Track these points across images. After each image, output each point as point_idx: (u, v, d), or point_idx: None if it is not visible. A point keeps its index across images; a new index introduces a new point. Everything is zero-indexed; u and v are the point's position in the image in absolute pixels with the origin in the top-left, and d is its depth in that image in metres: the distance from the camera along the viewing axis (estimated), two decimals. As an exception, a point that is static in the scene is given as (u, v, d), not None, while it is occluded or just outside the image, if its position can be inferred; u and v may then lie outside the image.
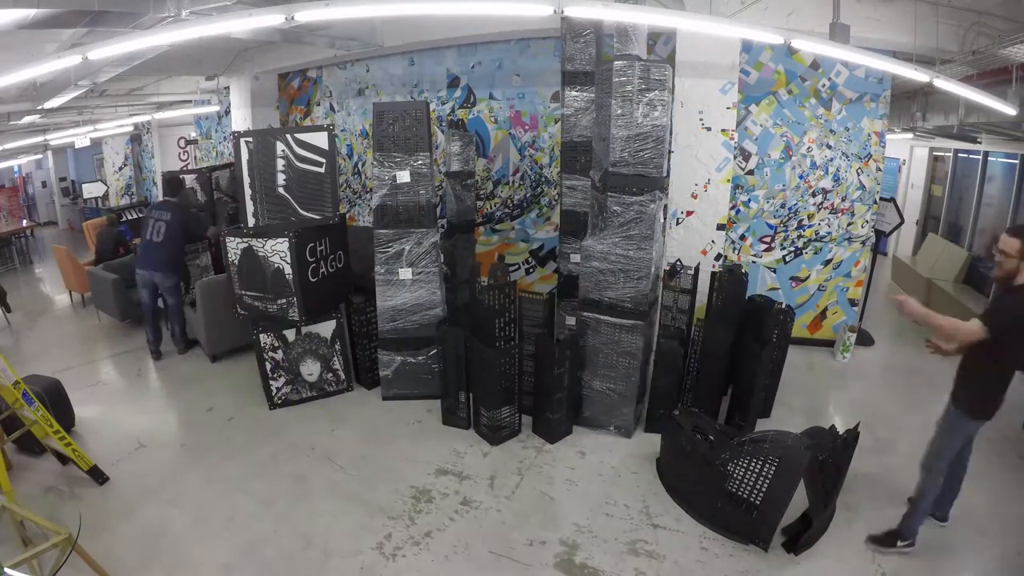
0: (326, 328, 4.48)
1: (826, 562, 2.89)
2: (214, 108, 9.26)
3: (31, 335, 6.36)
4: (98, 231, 7.73)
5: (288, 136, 4.16)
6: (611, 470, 3.63)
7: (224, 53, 7.26)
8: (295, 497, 3.43)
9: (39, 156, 13.04)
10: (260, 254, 4.18)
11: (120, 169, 12.66)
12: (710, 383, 3.96)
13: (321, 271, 4.41)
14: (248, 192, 4.14)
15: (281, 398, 4.46)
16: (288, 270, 4.18)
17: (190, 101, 9.77)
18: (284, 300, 4.26)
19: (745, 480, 2.95)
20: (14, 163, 12.78)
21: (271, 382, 4.40)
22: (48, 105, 6.61)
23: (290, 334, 4.37)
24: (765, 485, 2.89)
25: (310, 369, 4.50)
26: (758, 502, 2.91)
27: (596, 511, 3.27)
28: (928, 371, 4.96)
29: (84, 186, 12.58)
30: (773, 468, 2.85)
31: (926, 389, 4.62)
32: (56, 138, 10.02)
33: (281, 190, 4.20)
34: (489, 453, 3.83)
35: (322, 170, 4.28)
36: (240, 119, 7.99)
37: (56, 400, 4.06)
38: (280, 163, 4.16)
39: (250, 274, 4.23)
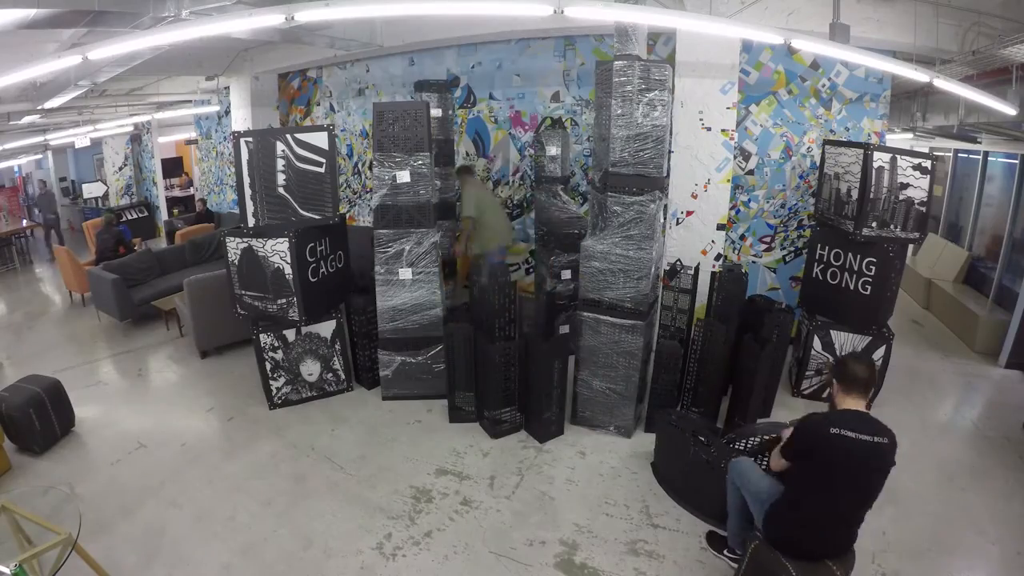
0: (326, 328, 4.49)
1: (826, 562, 2.89)
2: (214, 108, 9.26)
3: (31, 335, 6.36)
4: (97, 231, 7.74)
5: (288, 136, 4.14)
6: (611, 470, 3.63)
7: (224, 53, 7.25)
8: (295, 497, 3.43)
9: (39, 156, 13.03)
10: (260, 254, 4.17)
11: (120, 169, 12.65)
12: (710, 383, 3.96)
13: (321, 271, 4.43)
14: (248, 192, 4.12)
15: (281, 398, 4.46)
16: (288, 270, 4.17)
17: (190, 101, 9.77)
18: (284, 300, 4.25)
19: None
20: (14, 163, 12.78)
21: (271, 382, 4.40)
22: (48, 105, 6.61)
23: (290, 334, 4.37)
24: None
25: (310, 369, 4.50)
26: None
27: (596, 511, 3.27)
28: (928, 371, 4.97)
29: (84, 186, 12.58)
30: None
31: (927, 389, 4.63)
32: (56, 138, 10.02)
33: (281, 190, 4.17)
34: (489, 453, 3.83)
35: (322, 170, 4.25)
36: (240, 119, 7.99)
37: (56, 400, 4.07)
38: (280, 163, 4.13)
39: (250, 274, 4.22)
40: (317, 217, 4.31)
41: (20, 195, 13.54)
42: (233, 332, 5.34)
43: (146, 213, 11.82)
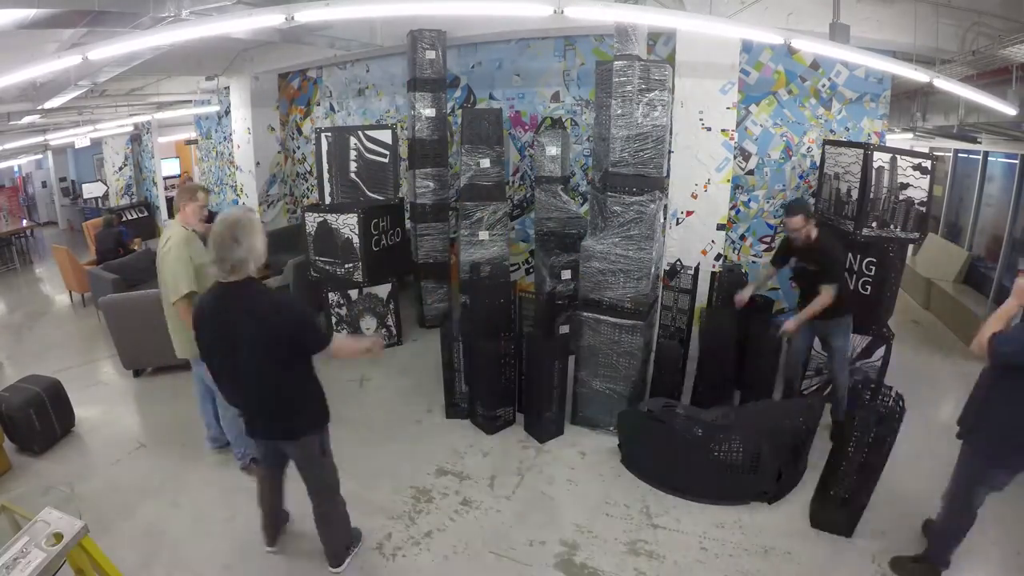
0: (383, 290, 5.32)
1: (826, 562, 2.89)
2: (214, 108, 9.25)
3: (31, 335, 6.36)
4: (96, 232, 7.73)
5: (359, 133, 5.11)
6: (611, 470, 3.63)
7: (224, 53, 7.26)
8: (295, 497, 3.42)
9: (39, 156, 13.02)
10: (334, 226, 5.08)
11: (120, 169, 12.65)
12: (711, 383, 3.96)
13: (382, 243, 5.39)
14: (326, 176, 5.06)
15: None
16: (356, 240, 5.06)
17: (190, 101, 9.76)
18: (351, 264, 5.15)
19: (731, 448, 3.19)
20: (14, 163, 12.76)
21: (335, 335, 4.91)
22: (48, 105, 6.60)
23: (353, 293, 5.23)
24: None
25: (368, 324, 5.34)
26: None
27: (596, 511, 3.27)
28: (928, 371, 4.97)
29: (84, 186, 12.57)
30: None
31: (927, 389, 4.62)
32: (56, 138, 10.01)
33: (353, 175, 5.13)
34: (489, 453, 3.83)
35: (386, 160, 5.24)
36: (240, 119, 7.99)
37: (56, 400, 4.07)
38: (352, 154, 5.09)
39: (324, 243, 5.12)
40: (380, 198, 5.30)
41: (20, 195, 13.52)
42: (159, 356, 4.76)
43: (146, 213, 11.82)
